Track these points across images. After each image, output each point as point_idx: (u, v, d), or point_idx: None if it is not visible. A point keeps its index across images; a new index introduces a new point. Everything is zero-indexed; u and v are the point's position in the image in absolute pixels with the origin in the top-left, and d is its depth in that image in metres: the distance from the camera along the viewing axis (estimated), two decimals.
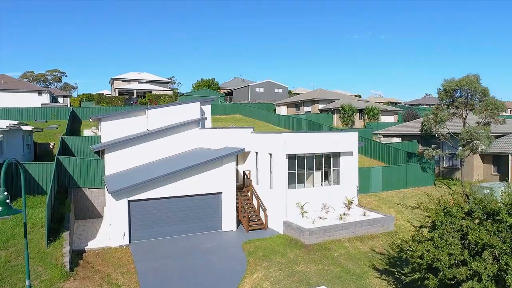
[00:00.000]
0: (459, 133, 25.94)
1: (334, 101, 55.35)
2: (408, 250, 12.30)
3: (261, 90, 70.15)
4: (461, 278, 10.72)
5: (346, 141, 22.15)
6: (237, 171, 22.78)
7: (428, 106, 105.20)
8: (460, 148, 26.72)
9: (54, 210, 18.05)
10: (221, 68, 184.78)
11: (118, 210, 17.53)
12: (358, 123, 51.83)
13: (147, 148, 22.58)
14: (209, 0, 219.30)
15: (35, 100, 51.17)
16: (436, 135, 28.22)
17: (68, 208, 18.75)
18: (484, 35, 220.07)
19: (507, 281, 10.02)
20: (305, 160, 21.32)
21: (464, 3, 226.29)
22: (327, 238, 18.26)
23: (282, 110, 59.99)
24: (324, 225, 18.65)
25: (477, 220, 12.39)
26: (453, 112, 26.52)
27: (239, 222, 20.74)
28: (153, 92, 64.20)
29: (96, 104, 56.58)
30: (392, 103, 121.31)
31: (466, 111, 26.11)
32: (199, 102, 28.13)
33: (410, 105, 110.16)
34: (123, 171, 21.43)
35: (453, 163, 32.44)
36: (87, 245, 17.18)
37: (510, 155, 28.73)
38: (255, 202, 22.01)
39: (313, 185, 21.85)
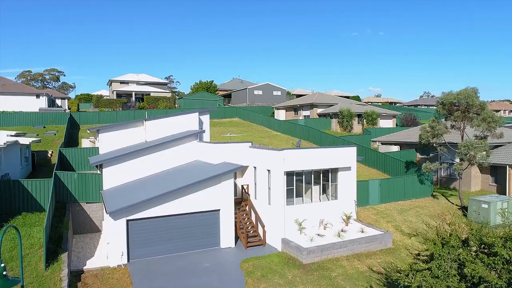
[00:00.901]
0: (457, 143, 26.00)
1: (332, 105, 55.36)
2: (405, 281, 12.35)
3: (260, 92, 70.08)
4: None
5: (344, 157, 22.18)
6: (235, 185, 22.80)
7: (426, 107, 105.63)
8: (457, 159, 26.80)
9: (52, 229, 18.02)
10: (219, 68, 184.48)
11: (116, 229, 17.53)
12: (357, 127, 51.88)
13: (145, 162, 22.55)
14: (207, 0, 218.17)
15: (32, 103, 50.94)
16: (434, 145, 28.28)
17: (67, 226, 18.75)
18: (484, 32, 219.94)
19: None
20: (304, 175, 21.35)
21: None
22: (325, 257, 18.33)
23: (281, 114, 59.97)
24: (322, 244, 18.70)
25: (474, 247, 12.44)
26: (451, 124, 26.60)
27: (237, 237, 20.79)
28: (152, 94, 64.06)
29: (94, 107, 56.45)
30: (391, 103, 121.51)
31: (463, 124, 26.17)
32: (198, 113, 28.14)
33: (408, 105, 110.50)
34: (122, 186, 21.42)
35: (451, 172, 32.54)
36: (85, 265, 17.19)
37: (507, 166, 28.85)
38: (253, 217, 22.04)
39: (311, 200, 21.90)
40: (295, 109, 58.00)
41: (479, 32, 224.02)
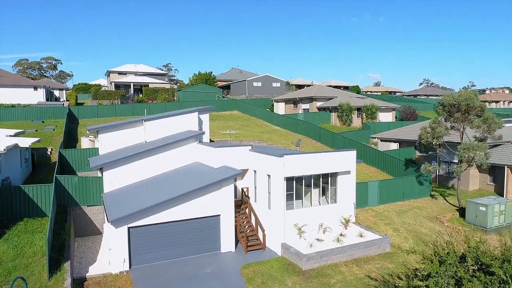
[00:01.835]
0: (457, 142, 26.05)
1: (332, 98, 55.20)
2: None
3: (259, 84, 69.72)
4: None
5: (344, 161, 22.26)
6: (235, 187, 22.92)
7: (426, 97, 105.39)
8: (456, 159, 26.91)
9: (54, 236, 18.16)
10: (217, 55, 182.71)
11: (118, 237, 17.69)
12: (356, 121, 51.88)
13: (145, 164, 22.61)
14: None
15: (30, 96, 50.64)
16: (434, 146, 28.34)
17: (68, 233, 18.90)
18: (485, 18, 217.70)
19: None
20: (303, 179, 21.47)
21: None
22: (324, 263, 18.59)
23: (280, 107, 59.82)
24: (322, 250, 18.94)
25: (471, 265, 12.60)
26: (450, 126, 26.65)
27: (237, 241, 21.01)
28: (150, 85, 63.68)
29: (92, 99, 56.11)
30: (390, 93, 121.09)
31: (463, 125, 26.21)
32: (197, 112, 28.11)
33: (408, 95, 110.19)
34: (122, 188, 21.52)
35: (450, 170, 32.70)
36: (88, 272, 17.41)
37: (506, 166, 29.00)
38: (253, 220, 22.23)
39: (311, 204, 22.05)
40: (295, 102, 57.82)
41: (479, 18, 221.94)
